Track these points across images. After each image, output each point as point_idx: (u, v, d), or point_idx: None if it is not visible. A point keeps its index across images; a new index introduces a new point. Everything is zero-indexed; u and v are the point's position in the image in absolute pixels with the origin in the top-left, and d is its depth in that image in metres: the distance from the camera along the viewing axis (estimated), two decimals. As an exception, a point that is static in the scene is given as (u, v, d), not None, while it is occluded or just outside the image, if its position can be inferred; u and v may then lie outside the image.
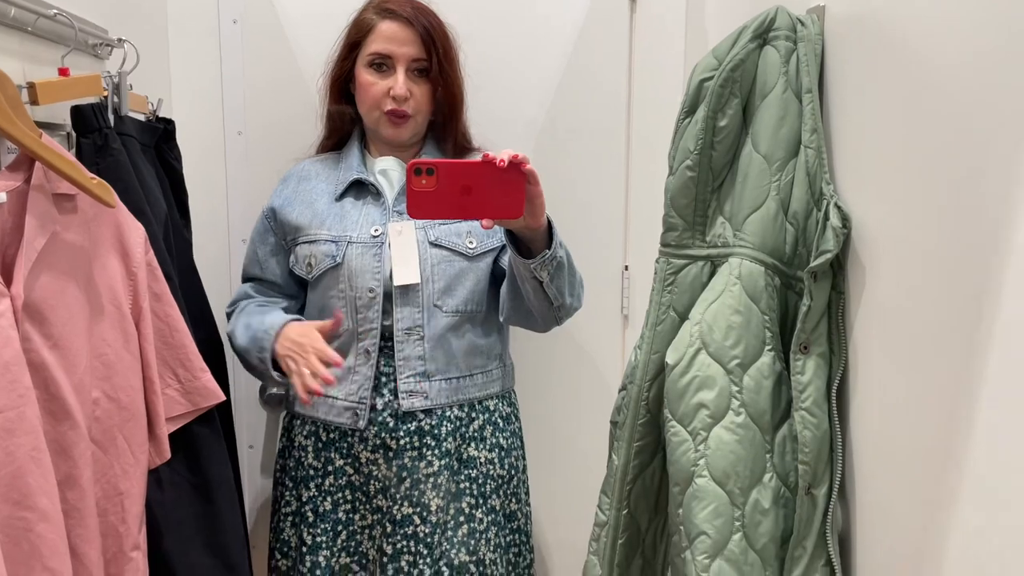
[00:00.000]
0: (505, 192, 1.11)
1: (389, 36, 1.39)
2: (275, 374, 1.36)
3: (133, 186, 1.09)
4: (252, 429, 1.76)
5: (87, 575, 0.93)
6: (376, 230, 1.39)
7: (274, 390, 1.70)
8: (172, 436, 1.09)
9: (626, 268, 1.79)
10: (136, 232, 1.04)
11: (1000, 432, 0.70)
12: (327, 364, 1.27)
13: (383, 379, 1.38)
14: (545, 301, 1.33)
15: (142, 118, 1.30)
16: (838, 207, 0.95)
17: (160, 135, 1.31)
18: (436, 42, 1.39)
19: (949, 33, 0.76)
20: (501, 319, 1.43)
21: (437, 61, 1.39)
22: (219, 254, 1.69)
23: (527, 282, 1.31)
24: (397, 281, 1.36)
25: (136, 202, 1.09)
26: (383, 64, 1.39)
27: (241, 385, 1.72)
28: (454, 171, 1.10)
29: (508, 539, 1.45)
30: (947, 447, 0.76)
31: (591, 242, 1.73)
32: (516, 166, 1.10)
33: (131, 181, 1.09)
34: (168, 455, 1.06)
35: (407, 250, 1.34)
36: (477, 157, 1.48)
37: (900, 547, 0.86)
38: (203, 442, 1.13)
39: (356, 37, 1.42)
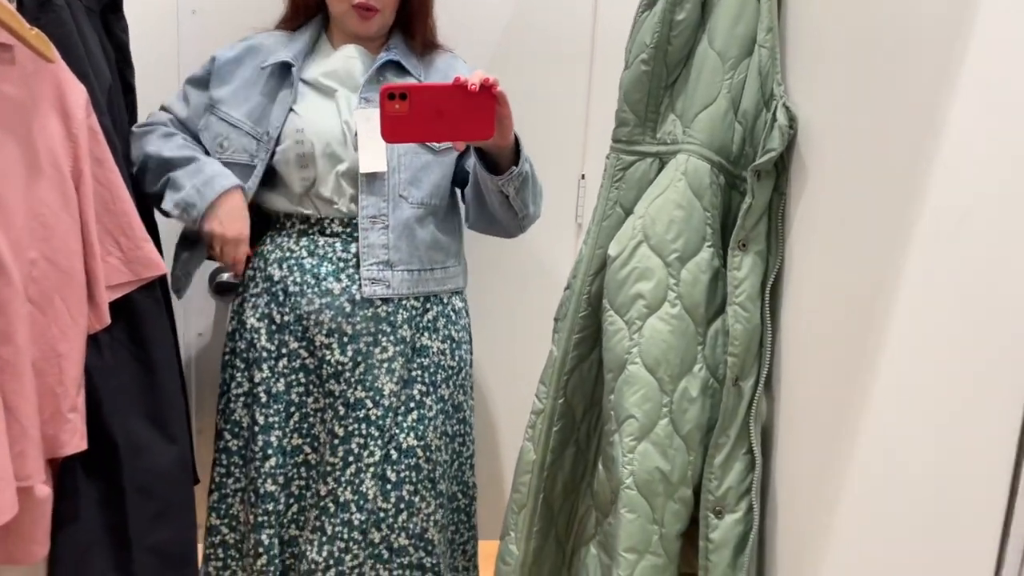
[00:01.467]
0: (476, 114, 1.13)
1: None
2: (190, 220, 1.33)
3: (75, 46, 1.06)
4: (200, 317, 1.75)
5: (20, 430, 0.94)
6: (268, 133, 1.38)
7: (226, 277, 1.69)
8: (113, 305, 1.09)
9: (583, 177, 1.79)
10: (77, 92, 1.01)
11: (910, 330, 0.73)
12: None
13: (340, 264, 1.39)
14: (510, 212, 1.37)
15: (88, -18, 1.25)
16: (786, 107, 0.96)
17: (106, 4, 1.26)
18: None
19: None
20: (467, 225, 1.45)
21: None
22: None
23: (493, 195, 1.34)
24: (363, 168, 1.35)
25: (78, 64, 1.06)
26: None
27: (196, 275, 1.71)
28: (426, 95, 1.11)
29: (454, 429, 1.49)
30: (866, 346, 0.79)
31: (549, 150, 1.73)
32: (487, 89, 1.12)
33: (73, 41, 1.06)
34: (108, 320, 1.05)
35: (374, 139, 1.33)
36: (444, 56, 1.48)
37: (817, 439, 0.90)
38: (145, 313, 1.13)
39: None
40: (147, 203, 1.32)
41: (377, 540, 1.39)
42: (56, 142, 0.99)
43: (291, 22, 1.47)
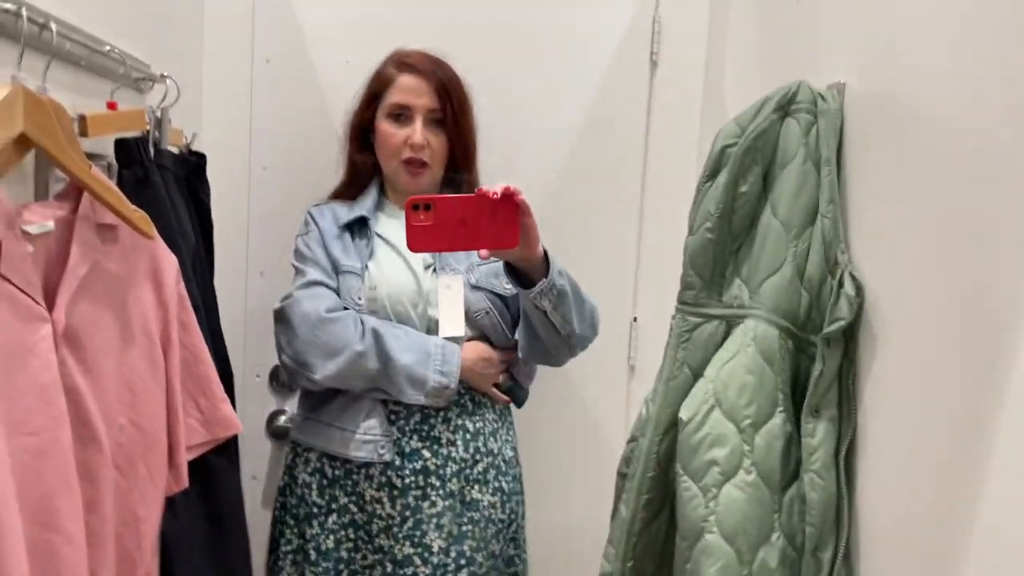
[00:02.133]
0: (500, 223, 1.18)
1: (407, 88, 1.45)
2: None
3: (169, 218, 1.13)
4: (256, 460, 1.77)
5: (101, 600, 0.94)
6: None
7: (282, 420, 1.72)
8: (189, 465, 1.11)
9: (635, 319, 1.82)
10: (170, 263, 1.07)
11: (1003, 508, 0.72)
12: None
13: (391, 416, 1.40)
14: (553, 331, 1.39)
15: (175, 150, 1.34)
16: (852, 276, 0.99)
17: (191, 168, 1.35)
18: (451, 94, 1.46)
19: (961, 113, 0.80)
20: (520, 356, 1.46)
21: (452, 111, 1.45)
22: (236, 287, 1.72)
23: (533, 313, 1.37)
24: (443, 333, 1.39)
25: (170, 234, 1.12)
26: (402, 115, 1.46)
27: (248, 416, 1.74)
28: (450, 205, 1.17)
29: None
30: (951, 519, 0.78)
31: (601, 292, 1.76)
32: (509, 197, 1.17)
33: (167, 213, 1.13)
34: (186, 483, 1.07)
35: (455, 305, 1.38)
36: None
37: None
38: (218, 472, 1.15)
39: (377, 89, 1.49)
40: (227, 364, 1.35)
41: None
42: (149, 311, 1.04)
43: (350, 186, 1.54)
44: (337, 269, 1.44)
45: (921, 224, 0.88)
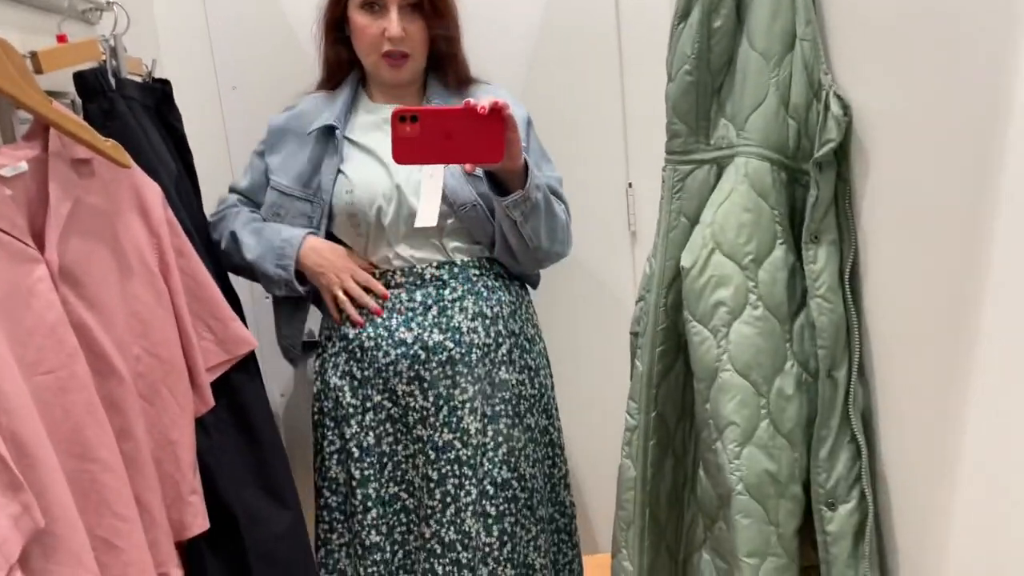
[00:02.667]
0: (485, 138, 1.16)
1: None
2: (301, 288, 1.43)
3: (143, 147, 1.11)
4: (280, 379, 1.80)
5: (151, 520, 0.98)
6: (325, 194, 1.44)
7: (295, 341, 1.74)
8: (213, 385, 1.13)
9: (630, 185, 1.81)
10: (153, 191, 1.06)
11: (1012, 296, 0.73)
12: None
13: (409, 313, 1.42)
14: (521, 241, 1.39)
15: (138, 80, 1.31)
16: (837, 96, 0.97)
17: (159, 96, 1.32)
18: None
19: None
20: (494, 255, 1.47)
21: None
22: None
23: (503, 220, 1.37)
24: (419, 223, 1.37)
25: (147, 162, 1.11)
26: (375, 4, 1.39)
27: (262, 337, 1.76)
28: (436, 118, 1.14)
29: (543, 452, 1.51)
30: (958, 320, 0.79)
31: (593, 163, 1.75)
32: (496, 112, 1.14)
33: (140, 142, 1.11)
34: (212, 403, 1.10)
35: (433, 195, 1.36)
36: (477, 89, 1.50)
37: (920, 420, 0.90)
38: (242, 387, 1.17)
39: None
40: (228, 283, 1.37)
41: (485, 575, 1.42)
42: (141, 241, 1.04)
43: (328, 83, 1.52)
44: (268, 176, 1.48)
45: (899, 32, 0.85)
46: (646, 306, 1.17)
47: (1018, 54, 0.68)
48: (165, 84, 1.35)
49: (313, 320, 1.74)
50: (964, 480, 0.83)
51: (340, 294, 1.42)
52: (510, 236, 1.39)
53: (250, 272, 1.46)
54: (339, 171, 1.43)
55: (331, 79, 1.51)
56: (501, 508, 1.43)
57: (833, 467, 1.00)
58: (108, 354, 0.94)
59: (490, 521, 1.42)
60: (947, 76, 0.78)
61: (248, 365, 1.19)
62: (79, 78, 1.07)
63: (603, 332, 1.80)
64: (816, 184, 0.98)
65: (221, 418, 1.15)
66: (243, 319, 1.34)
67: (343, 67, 1.49)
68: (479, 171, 1.38)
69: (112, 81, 1.12)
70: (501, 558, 1.43)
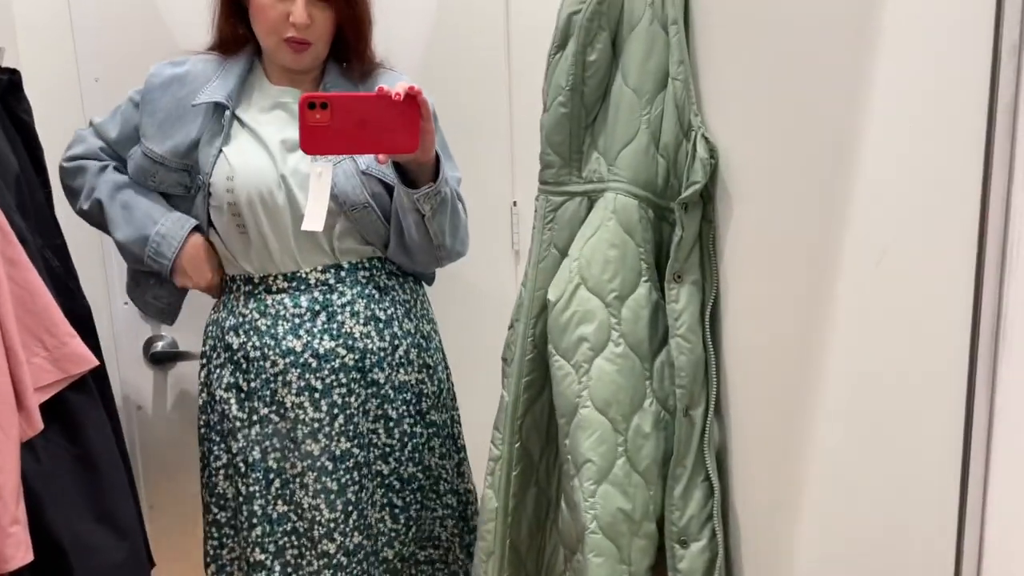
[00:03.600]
0: (400, 126, 1.12)
1: None
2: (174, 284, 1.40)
3: (-26, 145, 1.02)
4: (139, 390, 1.70)
5: (-39, 556, 0.90)
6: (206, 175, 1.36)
7: (160, 346, 1.65)
8: (44, 406, 1.05)
9: (515, 204, 1.79)
10: (-19, 194, 0.97)
11: (854, 344, 0.74)
12: None
13: (296, 320, 1.36)
14: (426, 238, 1.35)
15: (-19, 70, 1.20)
16: (705, 138, 0.98)
17: (5, 87, 1.22)
18: None
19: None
20: (388, 254, 1.42)
21: None
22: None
23: (409, 214, 1.32)
24: (305, 226, 1.30)
25: (-21, 162, 1.01)
26: None
27: (124, 346, 1.66)
28: (349, 105, 1.09)
29: (450, 446, 1.49)
30: (808, 363, 0.81)
31: (479, 179, 1.72)
32: (412, 98, 1.10)
33: (-29, 140, 1.01)
34: (40, 426, 1.01)
35: (321, 197, 1.29)
36: (382, 76, 1.43)
37: (768, 459, 0.92)
38: (79, 409, 1.09)
39: None
40: (77, 297, 1.28)
41: (391, 556, 1.43)
42: (-36, 249, 0.95)
43: (220, 51, 1.41)
44: (134, 135, 1.40)
45: (766, 79, 0.87)
46: (515, 334, 1.15)
47: (863, 102, 0.69)
48: (13, 73, 1.25)
49: (185, 328, 1.66)
50: (806, 519, 0.85)
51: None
52: (414, 232, 1.33)
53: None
54: (221, 152, 1.34)
55: (223, 50, 1.41)
56: (407, 499, 1.44)
57: (687, 505, 1.01)
58: (-85, 374, 0.85)
59: (397, 511, 1.43)
60: (796, 120, 0.80)
61: (86, 384, 1.11)
62: (-100, 67, 0.97)
63: (479, 353, 1.78)
64: (681, 224, 0.99)
65: (53, 441, 1.06)
66: (95, 335, 1.26)
67: (238, 41, 1.39)
68: (382, 168, 1.33)
69: (-58, 71, 1.02)
70: (407, 539, 1.45)
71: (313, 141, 1.07)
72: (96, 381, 1.17)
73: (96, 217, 1.40)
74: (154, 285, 1.44)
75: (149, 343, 1.68)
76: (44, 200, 1.25)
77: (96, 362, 1.10)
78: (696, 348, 1.00)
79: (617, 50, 1.04)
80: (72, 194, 1.42)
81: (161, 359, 1.67)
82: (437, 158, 1.27)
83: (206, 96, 1.34)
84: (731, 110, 0.96)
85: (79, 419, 1.09)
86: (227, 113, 1.34)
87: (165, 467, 1.72)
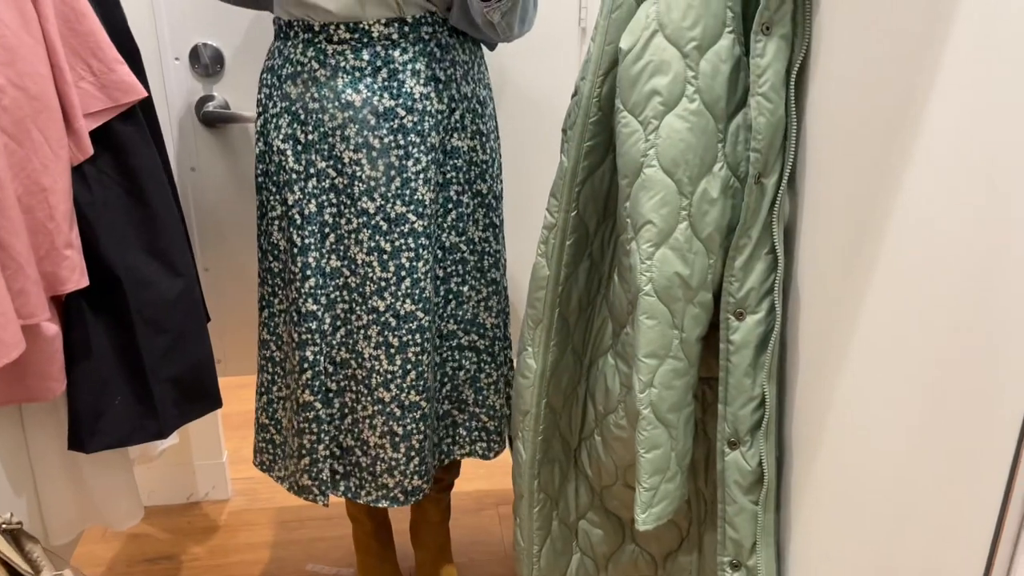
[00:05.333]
0: None
1: None
2: None
3: None
4: (191, 151, 1.68)
5: (16, 267, 0.91)
6: None
7: (211, 106, 1.62)
8: (93, 135, 1.02)
9: (584, -23, 1.66)
10: None
11: (956, 123, 0.66)
12: None
13: (356, 73, 1.30)
14: (492, 30, 1.32)
15: None
16: None
17: None
18: None
19: None
20: (450, 21, 1.34)
21: None
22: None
23: (477, 15, 1.27)
24: None
25: None
26: None
27: (176, 104, 1.63)
28: None
29: (490, 219, 1.47)
30: (902, 137, 0.73)
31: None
32: None
33: None
34: (90, 151, 0.99)
35: None
36: None
37: (841, 238, 0.86)
38: (128, 142, 1.06)
39: None
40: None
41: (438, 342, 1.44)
42: (3, -48, 0.89)
43: None
44: None
45: None
46: (579, 97, 1.08)
47: None
48: None
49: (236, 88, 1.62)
50: (869, 306, 0.81)
51: None
52: (482, 26, 1.30)
53: None
54: None
55: None
56: (448, 270, 1.42)
57: (747, 277, 0.97)
58: (-41, 77, 0.82)
59: (438, 282, 1.42)
60: None
61: (135, 116, 1.08)
62: None
63: (541, 132, 1.72)
64: (777, -33, 0.88)
65: (104, 171, 1.04)
66: (146, 83, 1.21)
67: None
68: None
69: None
70: (445, 314, 1.44)
71: None
72: (148, 123, 1.14)
73: None
74: None
75: (201, 103, 1.64)
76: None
77: (144, 93, 1.06)
78: (777, 109, 0.92)
79: None
80: None
81: (213, 120, 1.64)
82: None
83: None
84: None
85: (129, 152, 1.06)
86: None
87: (220, 229, 1.73)
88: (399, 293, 1.37)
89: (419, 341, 1.39)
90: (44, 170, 0.95)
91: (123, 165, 1.06)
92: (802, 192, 0.95)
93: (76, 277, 1.00)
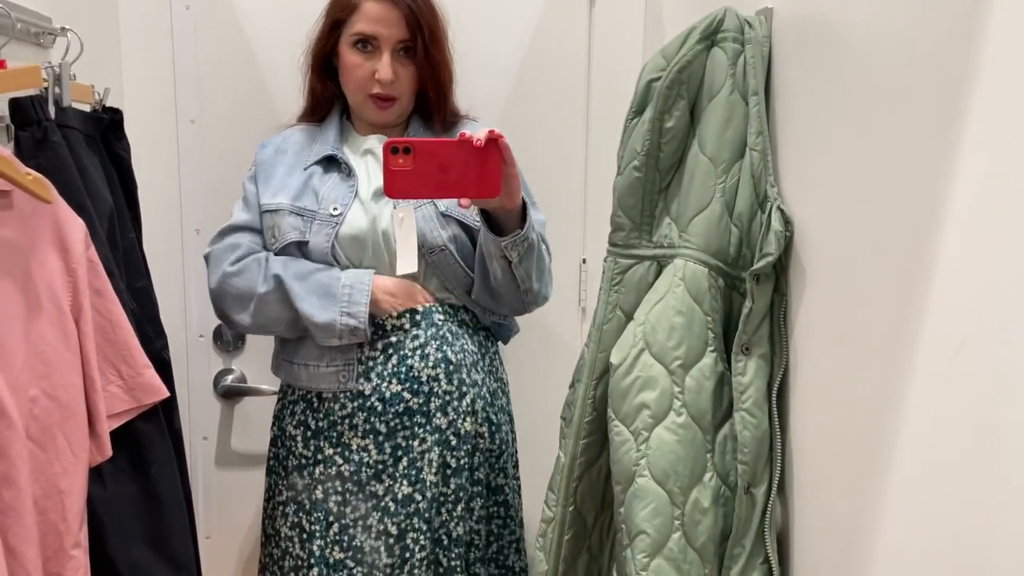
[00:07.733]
0: (482, 171, 1.13)
1: (374, 17, 1.35)
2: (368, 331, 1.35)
3: (74, 180, 1.07)
4: (205, 420, 1.74)
5: (24, 573, 0.92)
6: (335, 208, 1.37)
7: (230, 380, 1.70)
8: (114, 433, 1.08)
9: (584, 261, 1.79)
10: (76, 227, 1.02)
11: (928, 433, 0.71)
12: None
13: (370, 363, 1.37)
14: (512, 283, 1.36)
15: (88, 108, 1.28)
16: (781, 210, 0.96)
17: (107, 125, 1.29)
18: (422, 23, 1.36)
19: (890, 37, 0.77)
20: (472, 297, 1.43)
21: (423, 43, 1.37)
22: (171, 245, 1.67)
23: (496, 261, 1.33)
24: (400, 270, 1.34)
25: (77, 197, 1.07)
26: (368, 44, 1.37)
27: (196, 377, 1.71)
28: (430, 150, 1.11)
29: (493, 511, 1.46)
30: (879, 447, 0.78)
31: (550, 235, 1.73)
32: (494, 144, 1.12)
33: (72, 175, 1.07)
34: (110, 452, 1.05)
35: (408, 240, 1.33)
36: (464, 126, 1.47)
37: (835, 544, 0.88)
38: (146, 439, 1.12)
39: (339, 15, 1.38)
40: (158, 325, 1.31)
41: None
42: (55, 278, 1.00)
43: (313, 115, 1.48)
44: (268, 205, 1.41)
45: (846, 154, 0.85)
46: (575, 394, 1.14)
47: (947, 181, 0.67)
48: (115, 113, 1.33)
49: (254, 363, 1.70)
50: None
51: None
52: (500, 277, 1.35)
53: (287, 324, 1.37)
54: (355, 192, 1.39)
55: (315, 111, 1.47)
56: (453, 563, 1.39)
57: (744, 587, 0.97)
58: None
59: (441, 571, 1.39)
60: (882, 213, 0.78)
61: (156, 414, 1.14)
62: (14, 105, 1.04)
63: (542, 408, 1.77)
64: (752, 295, 0.97)
65: (120, 468, 1.09)
66: (168, 365, 1.29)
67: (329, 100, 1.46)
68: (462, 210, 1.35)
69: (52, 109, 1.09)
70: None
71: (396, 185, 1.10)
72: (165, 412, 1.21)
73: (272, 301, 1.36)
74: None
75: (219, 377, 1.72)
76: (133, 241, 1.30)
77: (167, 393, 1.13)
78: (762, 424, 0.97)
79: (695, 118, 1.04)
80: (240, 298, 1.38)
81: (230, 393, 1.71)
82: (523, 204, 1.28)
83: (315, 156, 1.41)
84: (809, 183, 0.95)
85: (146, 449, 1.12)
86: (339, 158, 1.41)
87: (226, 499, 1.75)
88: None
89: None
90: (63, 473, 0.99)
91: (138, 461, 1.11)
92: (792, 500, 0.98)
93: (79, 577, 1.01)
